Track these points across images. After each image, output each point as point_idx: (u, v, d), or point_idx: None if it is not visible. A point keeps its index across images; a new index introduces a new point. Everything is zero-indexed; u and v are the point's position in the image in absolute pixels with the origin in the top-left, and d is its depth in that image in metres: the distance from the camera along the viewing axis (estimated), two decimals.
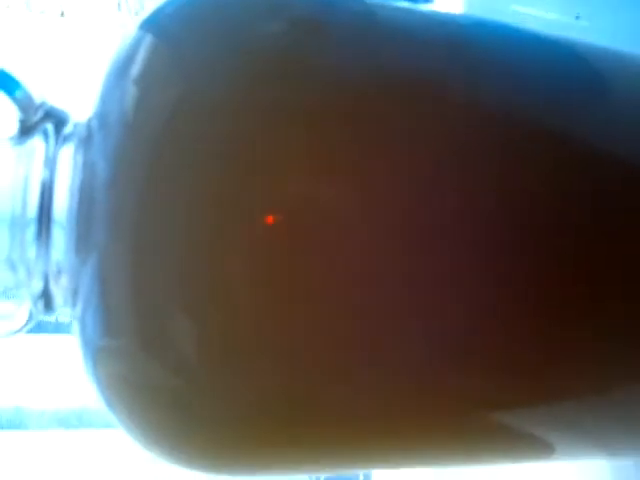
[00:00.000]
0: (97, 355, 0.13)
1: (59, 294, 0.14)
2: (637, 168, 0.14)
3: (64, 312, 0.14)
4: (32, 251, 0.13)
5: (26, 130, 0.13)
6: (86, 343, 0.13)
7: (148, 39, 0.13)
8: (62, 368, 0.53)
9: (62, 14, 0.36)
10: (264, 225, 0.11)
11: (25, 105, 0.13)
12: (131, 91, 0.13)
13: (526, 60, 0.15)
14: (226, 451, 0.13)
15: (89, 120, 0.13)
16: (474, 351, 0.13)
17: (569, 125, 0.14)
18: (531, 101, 0.14)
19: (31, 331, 0.14)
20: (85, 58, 0.33)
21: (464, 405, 0.14)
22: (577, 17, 0.25)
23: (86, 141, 0.13)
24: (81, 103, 0.14)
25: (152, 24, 0.13)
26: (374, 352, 0.12)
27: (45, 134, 0.13)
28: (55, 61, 0.32)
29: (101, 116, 0.13)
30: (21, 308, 0.15)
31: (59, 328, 0.18)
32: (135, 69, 0.13)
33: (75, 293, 0.13)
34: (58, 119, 0.14)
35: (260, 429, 0.12)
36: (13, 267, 0.13)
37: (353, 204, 0.12)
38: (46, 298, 0.14)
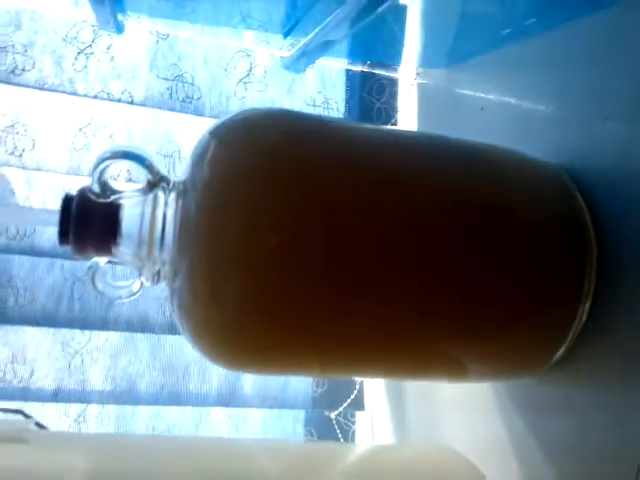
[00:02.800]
0: (184, 310, 0.25)
1: (165, 274, 0.25)
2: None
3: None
4: (155, 251, 0.24)
5: (151, 186, 0.25)
6: (179, 304, 0.25)
7: (213, 141, 0.24)
8: None
9: None
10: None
11: (150, 170, 0.25)
12: (205, 169, 0.24)
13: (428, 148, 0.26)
14: (254, 357, 0.24)
15: (184, 181, 0.25)
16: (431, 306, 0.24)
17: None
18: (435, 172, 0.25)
19: None
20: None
21: (422, 336, 0.25)
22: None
23: (184, 193, 0.24)
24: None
25: (215, 132, 0.25)
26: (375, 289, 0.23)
27: (162, 188, 0.25)
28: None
29: (192, 179, 0.24)
30: (138, 282, 0.27)
31: None
32: (207, 157, 0.24)
33: (175, 274, 0.25)
34: (166, 179, 0.25)
35: (276, 340, 0.23)
36: (142, 260, 0.25)
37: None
38: (158, 276, 0.25)
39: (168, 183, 0.25)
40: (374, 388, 0.51)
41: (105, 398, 0.46)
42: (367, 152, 0.24)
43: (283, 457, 0.30)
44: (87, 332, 0.46)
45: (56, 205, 0.25)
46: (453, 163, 0.25)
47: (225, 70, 0.46)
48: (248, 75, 0.46)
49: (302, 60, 0.44)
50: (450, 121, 0.41)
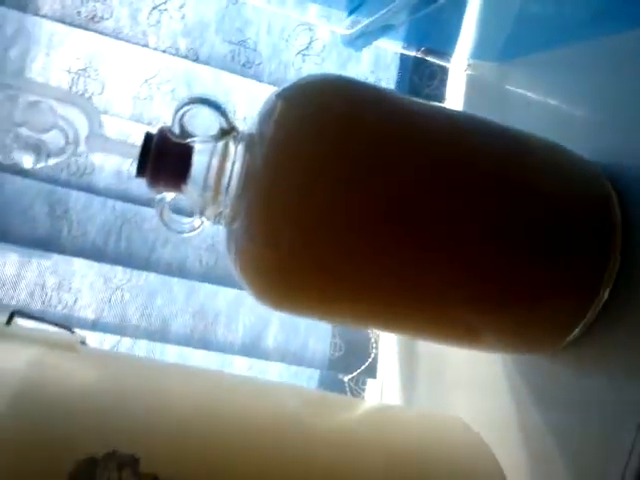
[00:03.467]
0: (239, 249, 0.28)
1: (225, 216, 0.28)
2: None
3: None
4: (220, 195, 0.27)
5: (223, 133, 0.27)
6: (235, 244, 0.28)
7: (281, 101, 0.27)
8: None
9: None
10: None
11: (225, 119, 0.28)
12: (272, 126, 0.27)
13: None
14: (296, 298, 0.27)
15: (253, 135, 0.27)
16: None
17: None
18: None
19: None
20: None
21: (449, 301, 0.27)
22: None
23: (251, 146, 0.27)
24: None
25: (283, 94, 0.27)
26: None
27: (233, 137, 0.27)
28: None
29: (259, 134, 0.27)
30: (199, 220, 0.29)
31: None
32: (274, 115, 0.27)
33: (234, 217, 0.27)
34: (237, 130, 0.28)
35: (319, 287, 0.26)
36: (206, 200, 0.28)
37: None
38: (219, 217, 0.28)
39: (238, 133, 0.28)
40: (388, 358, 0.54)
41: (139, 333, 0.49)
42: (427, 123, 0.26)
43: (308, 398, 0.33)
44: (129, 270, 0.49)
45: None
46: (502, 146, 0.28)
47: (286, 41, 0.48)
48: (307, 48, 0.49)
49: (361, 39, 0.46)
50: (496, 113, 0.42)
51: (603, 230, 0.28)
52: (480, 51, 0.46)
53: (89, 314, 0.49)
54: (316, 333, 0.53)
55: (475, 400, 0.41)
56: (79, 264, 0.49)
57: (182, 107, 0.27)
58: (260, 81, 0.47)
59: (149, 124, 0.46)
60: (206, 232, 0.50)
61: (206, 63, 0.46)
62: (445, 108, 0.28)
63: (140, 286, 0.49)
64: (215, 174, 0.27)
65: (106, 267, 0.49)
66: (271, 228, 0.26)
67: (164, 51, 0.45)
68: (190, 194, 0.28)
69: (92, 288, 0.49)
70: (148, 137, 0.27)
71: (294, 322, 0.53)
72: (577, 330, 0.29)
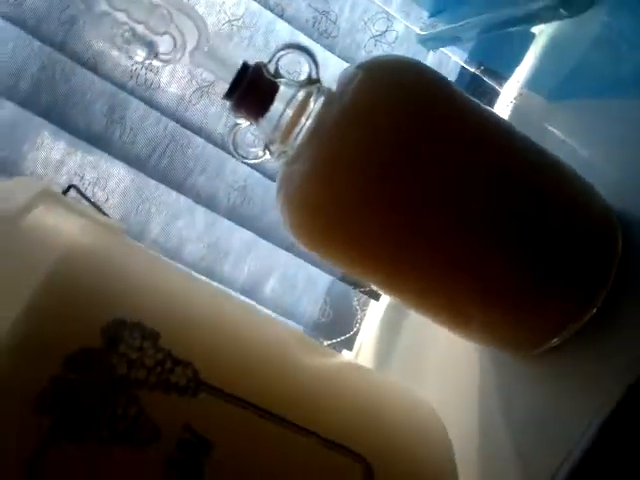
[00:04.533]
0: (292, 188, 0.31)
1: (287, 155, 0.32)
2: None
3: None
4: (291, 135, 0.31)
5: (310, 82, 0.31)
6: (291, 184, 0.31)
7: (360, 73, 0.31)
8: None
9: None
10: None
11: (316, 68, 0.31)
12: (351, 92, 0.30)
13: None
14: (333, 243, 0.31)
15: (333, 93, 0.31)
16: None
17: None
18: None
19: None
20: None
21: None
22: None
23: (330, 101, 0.31)
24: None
25: (365, 66, 0.31)
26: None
27: (317, 88, 0.31)
28: None
29: (339, 95, 0.31)
30: (263, 152, 0.33)
31: None
32: (352, 84, 0.30)
33: (297, 158, 0.31)
34: (321, 82, 0.31)
35: (360, 241, 0.30)
36: (275, 137, 0.31)
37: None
38: (282, 156, 0.32)
39: (321, 86, 0.31)
40: (367, 336, 0.58)
41: (155, 247, 0.53)
42: (484, 126, 0.30)
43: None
44: (162, 187, 0.53)
45: None
46: (539, 162, 0.32)
47: (365, 23, 0.52)
48: (381, 35, 0.52)
49: (432, 41, 0.50)
50: None
51: (604, 256, 0.32)
52: (534, 83, 0.50)
53: (114, 216, 0.52)
54: (310, 295, 0.57)
55: (444, 392, 0.44)
56: (119, 168, 0.52)
57: (283, 49, 0.30)
58: (332, 52, 0.51)
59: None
60: (241, 173, 0.53)
61: (288, 21, 0.50)
62: (507, 122, 0.32)
63: (168, 204, 0.53)
64: (291, 117, 0.31)
65: (143, 178, 0.52)
66: (333, 175, 0.30)
67: None
68: (263, 128, 0.32)
69: (124, 193, 0.52)
70: (245, 66, 0.31)
71: (293, 280, 0.57)
72: (554, 340, 0.34)
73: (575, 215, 0.32)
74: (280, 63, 0.31)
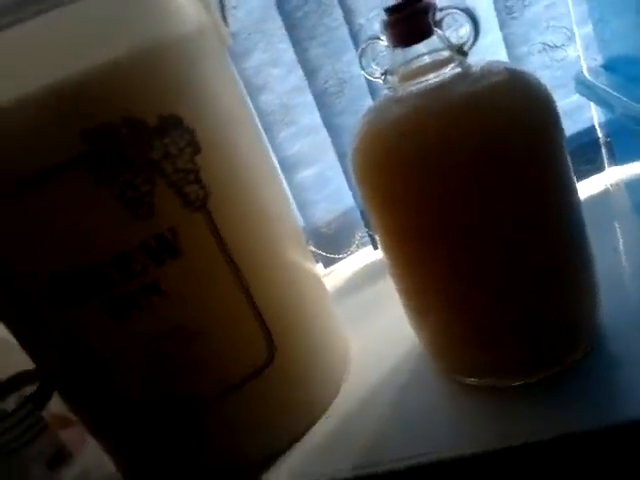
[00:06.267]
0: (370, 127, 0.33)
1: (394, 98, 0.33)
2: None
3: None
4: (408, 83, 0.32)
5: (459, 51, 0.32)
6: (370, 123, 0.33)
7: (510, 87, 0.32)
8: None
9: None
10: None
11: (474, 38, 0.32)
12: (482, 96, 0.31)
13: None
14: (379, 185, 0.33)
15: (470, 74, 0.32)
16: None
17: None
18: None
19: None
20: None
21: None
22: None
23: (461, 79, 0.32)
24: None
25: (517, 85, 0.32)
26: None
27: (460, 59, 0.32)
28: None
29: (473, 82, 0.32)
30: (382, 77, 0.35)
31: None
32: (492, 89, 0.31)
33: (398, 102, 0.33)
34: (466, 56, 0.32)
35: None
36: (398, 71, 0.33)
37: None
38: (392, 90, 0.33)
39: (465, 60, 0.32)
40: (348, 269, 0.62)
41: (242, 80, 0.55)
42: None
43: None
44: None
45: None
46: (571, 249, 0.34)
47: (547, 26, 0.51)
48: (555, 47, 0.51)
49: (585, 88, 0.49)
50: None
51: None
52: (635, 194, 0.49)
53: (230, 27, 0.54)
54: (329, 205, 0.60)
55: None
56: None
57: (453, 9, 0.31)
58: (499, 30, 0.50)
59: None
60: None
61: None
62: (575, 202, 0.33)
63: None
64: (423, 65, 0.32)
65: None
66: (415, 145, 0.31)
67: None
68: (396, 57, 0.33)
69: (250, 12, 0.54)
70: None
71: (325, 183, 0.60)
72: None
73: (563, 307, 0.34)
74: (446, 19, 0.32)
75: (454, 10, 0.32)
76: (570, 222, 0.34)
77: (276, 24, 0.54)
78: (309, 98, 0.57)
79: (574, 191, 0.34)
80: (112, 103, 0.30)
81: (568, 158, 0.34)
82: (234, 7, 0.53)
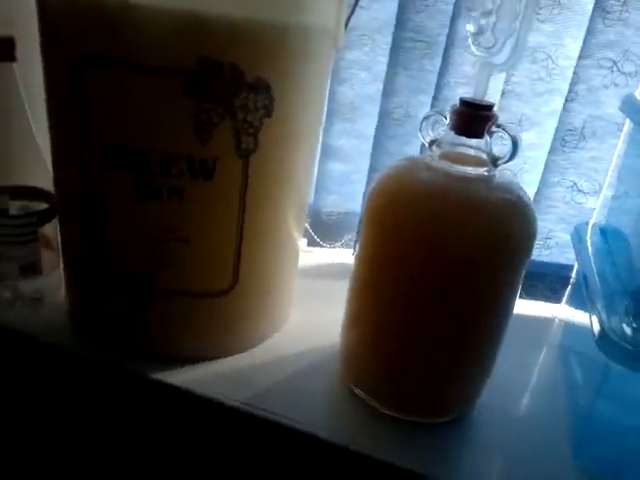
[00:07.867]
0: (394, 184, 0.40)
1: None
2: None
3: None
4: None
5: (492, 161, 0.39)
6: (395, 177, 0.40)
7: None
8: None
9: None
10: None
11: (508, 157, 0.39)
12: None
13: None
14: (379, 219, 0.41)
15: (489, 183, 0.39)
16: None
17: None
18: None
19: None
20: None
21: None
22: None
23: (481, 182, 0.39)
24: None
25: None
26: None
27: (489, 169, 0.39)
28: None
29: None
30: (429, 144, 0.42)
31: None
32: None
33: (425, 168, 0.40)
34: (496, 167, 0.40)
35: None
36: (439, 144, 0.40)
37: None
38: (431, 151, 0.40)
39: (493, 171, 0.40)
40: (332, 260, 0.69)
41: None
42: None
43: None
44: None
45: None
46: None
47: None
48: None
49: (575, 239, 0.56)
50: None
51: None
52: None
53: None
54: (337, 202, 0.67)
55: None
56: None
57: (504, 130, 0.38)
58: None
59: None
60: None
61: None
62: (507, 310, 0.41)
63: None
64: (462, 153, 0.40)
65: None
66: (414, 212, 0.39)
67: None
68: (447, 136, 0.40)
69: None
70: (490, 106, 0.39)
71: (347, 175, 0.67)
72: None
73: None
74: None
75: (504, 132, 0.39)
76: (498, 325, 0.42)
77: (385, 39, 0.61)
78: (375, 110, 0.63)
79: (512, 304, 0.42)
80: (231, 50, 0.37)
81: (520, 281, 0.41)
82: (361, 7, 0.59)
